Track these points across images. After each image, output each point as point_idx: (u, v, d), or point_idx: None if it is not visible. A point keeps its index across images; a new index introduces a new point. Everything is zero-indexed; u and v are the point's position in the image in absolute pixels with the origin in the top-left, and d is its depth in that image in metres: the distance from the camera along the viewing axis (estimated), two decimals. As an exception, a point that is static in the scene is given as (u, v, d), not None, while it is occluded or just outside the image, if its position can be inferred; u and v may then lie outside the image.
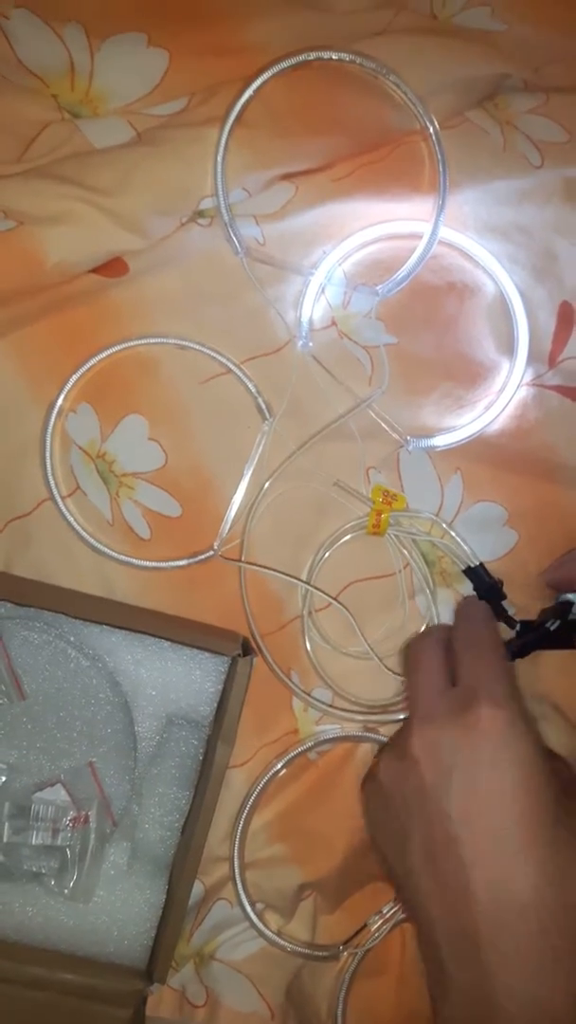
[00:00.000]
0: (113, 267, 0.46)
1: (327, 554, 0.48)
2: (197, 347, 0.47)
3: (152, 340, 0.47)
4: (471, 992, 0.35)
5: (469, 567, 0.49)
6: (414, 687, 0.42)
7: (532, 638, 0.48)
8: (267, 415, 0.47)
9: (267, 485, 0.48)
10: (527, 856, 0.35)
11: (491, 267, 0.48)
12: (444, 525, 0.49)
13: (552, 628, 0.48)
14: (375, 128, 0.47)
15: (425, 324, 0.49)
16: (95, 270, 0.46)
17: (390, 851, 0.40)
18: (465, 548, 0.49)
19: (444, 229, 0.47)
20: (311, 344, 0.47)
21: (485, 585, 0.48)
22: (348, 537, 0.49)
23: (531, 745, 0.38)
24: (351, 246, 0.47)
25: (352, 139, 0.47)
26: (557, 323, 0.49)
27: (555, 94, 0.49)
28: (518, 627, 0.49)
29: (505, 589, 0.49)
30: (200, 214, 0.46)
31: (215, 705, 0.45)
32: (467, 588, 0.50)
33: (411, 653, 0.45)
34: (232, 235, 0.46)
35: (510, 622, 0.49)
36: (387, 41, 0.47)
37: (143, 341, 0.46)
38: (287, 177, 0.47)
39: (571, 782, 0.40)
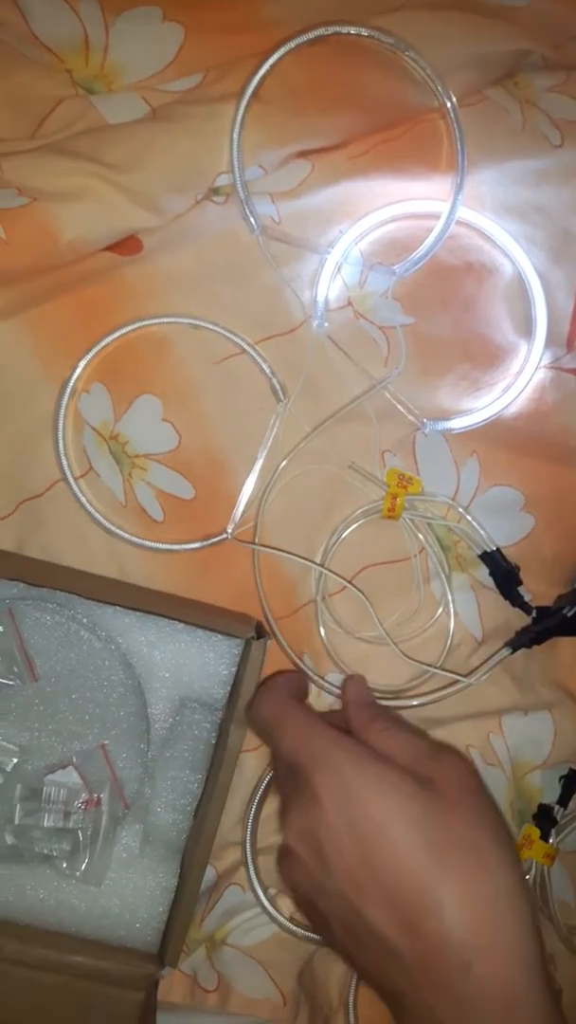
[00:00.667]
0: (127, 245, 0.46)
1: (343, 535, 0.48)
2: (211, 327, 0.46)
3: (166, 319, 0.46)
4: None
5: (485, 552, 0.48)
6: (282, 788, 0.42)
7: (549, 625, 0.48)
8: (281, 396, 0.46)
9: (282, 466, 0.47)
10: (429, 895, 0.35)
11: (509, 248, 0.47)
12: (460, 509, 0.48)
13: (569, 614, 0.48)
14: (392, 105, 0.46)
15: (442, 305, 0.48)
16: (109, 248, 0.45)
17: (334, 944, 0.39)
18: (481, 532, 0.48)
19: (462, 209, 0.47)
20: (327, 324, 0.47)
21: (502, 570, 0.48)
22: (362, 520, 0.48)
23: (379, 788, 0.37)
24: (368, 225, 0.47)
25: (369, 116, 0.46)
26: (575, 305, 0.48)
27: (576, 72, 0.48)
28: (534, 613, 0.48)
29: (521, 575, 0.48)
30: (215, 191, 0.46)
31: (228, 688, 0.45)
32: (483, 574, 0.49)
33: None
34: (248, 213, 0.45)
35: (526, 608, 0.48)
36: (405, 17, 0.46)
37: (157, 320, 0.46)
38: (303, 155, 0.47)
39: (428, 779, 0.38)
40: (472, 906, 0.34)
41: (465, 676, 0.48)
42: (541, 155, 0.47)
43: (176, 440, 0.47)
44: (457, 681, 0.48)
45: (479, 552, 0.49)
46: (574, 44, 0.48)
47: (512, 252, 0.48)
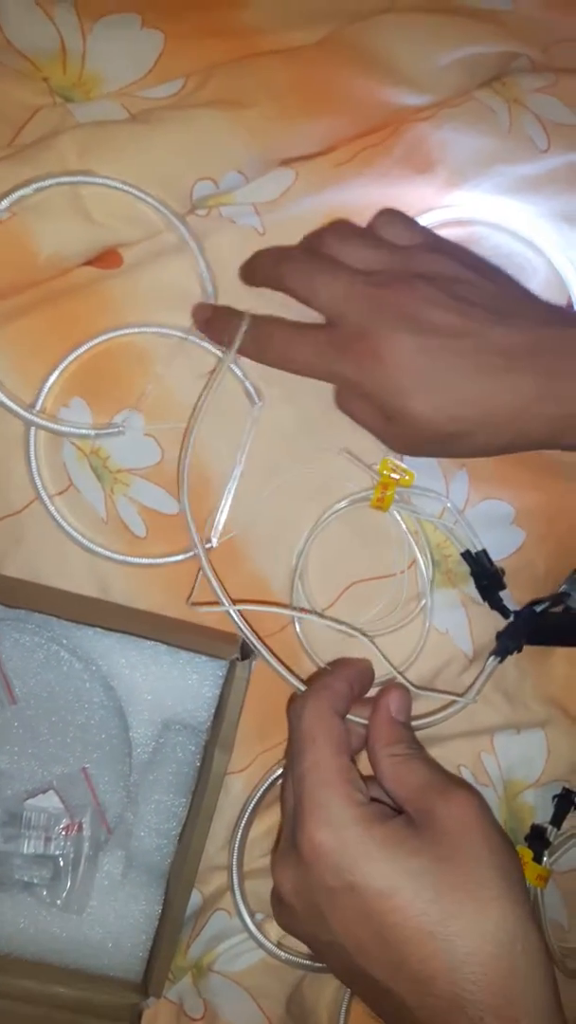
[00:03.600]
0: (107, 259, 0.45)
1: (329, 521, 0.47)
2: (180, 334, 0.45)
3: (144, 329, 0.45)
4: None
5: (468, 552, 0.47)
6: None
7: (519, 622, 0.47)
8: (256, 400, 0.45)
9: (250, 474, 0.46)
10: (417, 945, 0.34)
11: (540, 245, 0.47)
12: (448, 503, 0.47)
13: (539, 610, 0.46)
14: (377, 107, 0.45)
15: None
16: (90, 262, 0.44)
17: (325, 953, 0.39)
18: (469, 533, 0.47)
19: (459, 209, 0.46)
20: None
21: (487, 573, 0.47)
22: (349, 507, 0.47)
23: (377, 856, 0.36)
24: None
25: (354, 120, 0.45)
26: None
27: (564, 75, 0.47)
28: (511, 616, 0.47)
29: (511, 590, 0.47)
30: (198, 204, 0.45)
31: (213, 710, 0.44)
32: (473, 588, 0.48)
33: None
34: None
35: (504, 611, 0.47)
36: (392, 19, 0.45)
37: (124, 331, 0.45)
38: (287, 162, 0.46)
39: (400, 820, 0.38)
40: (485, 960, 0.34)
41: (461, 695, 0.47)
42: (527, 160, 0.47)
43: (159, 454, 0.46)
44: (454, 702, 0.47)
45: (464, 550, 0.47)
46: (562, 47, 0.47)
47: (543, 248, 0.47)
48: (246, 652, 0.43)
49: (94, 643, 0.43)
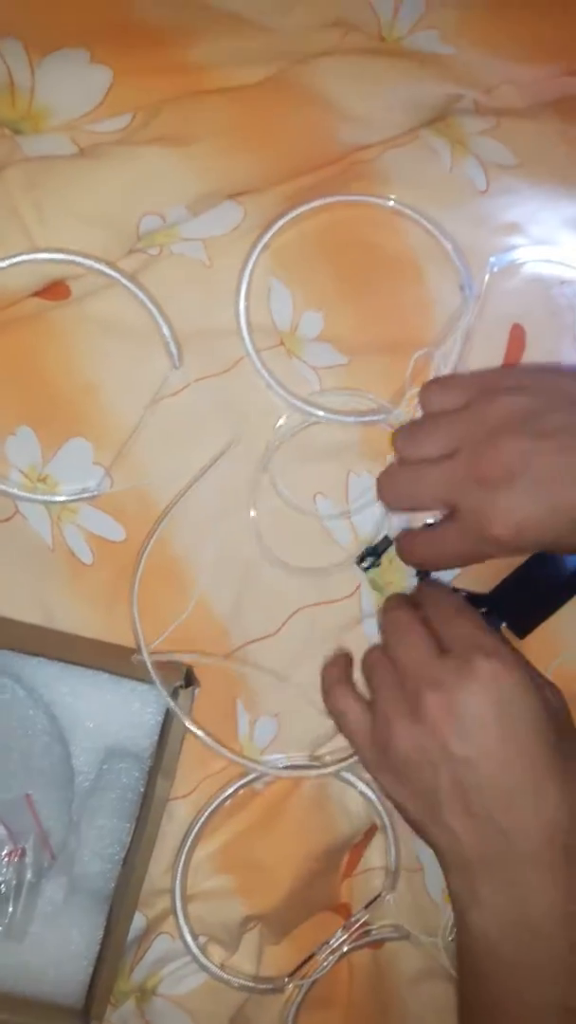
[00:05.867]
0: (55, 291, 0.45)
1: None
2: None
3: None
4: (506, 911, 0.39)
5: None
6: (407, 659, 0.43)
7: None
8: (176, 363, 0.46)
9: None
10: (546, 787, 0.39)
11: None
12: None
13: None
14: (322, 144, 0.46)
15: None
16: (37, 294, 0.45)
17: (418, 806, 0.42)
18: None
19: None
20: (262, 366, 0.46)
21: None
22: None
23: (529, 688, 0.40)
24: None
25: (300, 156, 0.46)
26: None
27: (506, 118, 0.48)
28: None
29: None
30: (145, 238, 0.45)
31: (156, 737, 0.44)
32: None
33: (392, 628, 0.45)
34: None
35: None
36: (338, 60, 0.46)
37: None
38: (233, 197, 0.46)
39: (562, 708, 0.44)
40: (570, 805, 0.39)
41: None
42: (468, 200, 0.48)
43: (106, 482, 0.47)
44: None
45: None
46: (504, 89, 0.48)
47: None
48: (189, 680, 0.43)
49: (37, 671, 0.44)
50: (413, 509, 0.47)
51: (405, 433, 0.45)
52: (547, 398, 0.42)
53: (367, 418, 0.47)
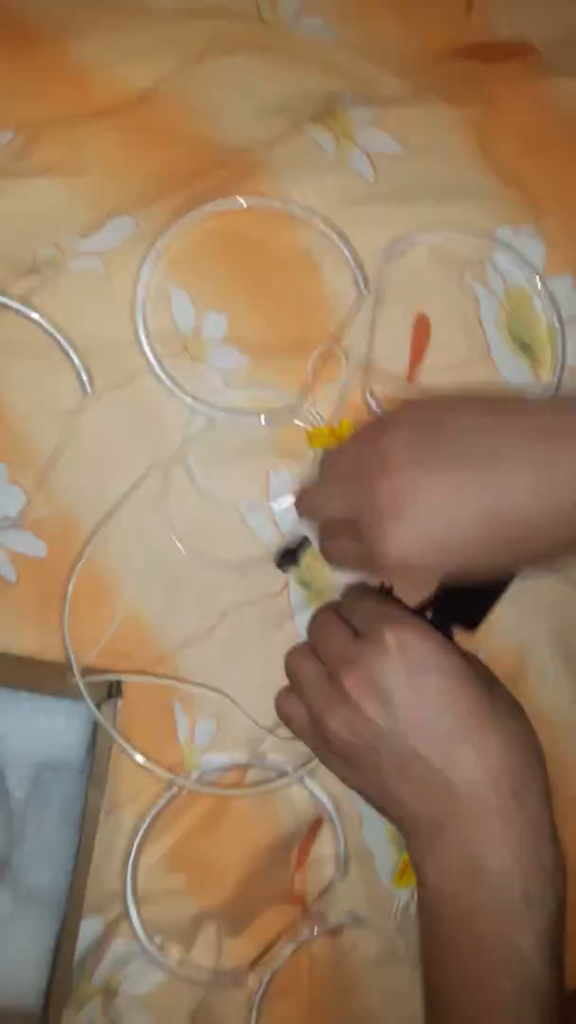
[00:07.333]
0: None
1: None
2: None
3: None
4: (458, 862, 0.40)
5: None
6: (325, 648, 0.44)
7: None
8: (88, 390, 0.46)
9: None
10: (483, 735, 0.40)
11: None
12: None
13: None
14: (209, 151, 0.47)
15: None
16: None
17: (371, 787, 0.43)
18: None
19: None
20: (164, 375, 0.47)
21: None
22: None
23: (445, 651, 0.41)
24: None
25: (187, 166, 0.47)
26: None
27: (391, 107, 0.48)
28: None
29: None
30: (41, 263, 0.46)
31: (87, 747, 0.45)
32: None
33: (313, 628, 0.46)
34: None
35: None
36: (217, 64, 0.47)
37: None
38: (126, 210, 0.47)
39: (486, 669, 0.44)
40: (512, 750, 0.40)
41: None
42: (356, 191, 0.48)
43: (24, 500, 0.47)
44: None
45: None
46: (386, 80, 0.48)
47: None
48: (111, 692, 0.44)
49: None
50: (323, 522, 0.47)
51: (330, 452, 0.46)
52: (443, 432, 0.41)
53: (274, 417, 0.48)
